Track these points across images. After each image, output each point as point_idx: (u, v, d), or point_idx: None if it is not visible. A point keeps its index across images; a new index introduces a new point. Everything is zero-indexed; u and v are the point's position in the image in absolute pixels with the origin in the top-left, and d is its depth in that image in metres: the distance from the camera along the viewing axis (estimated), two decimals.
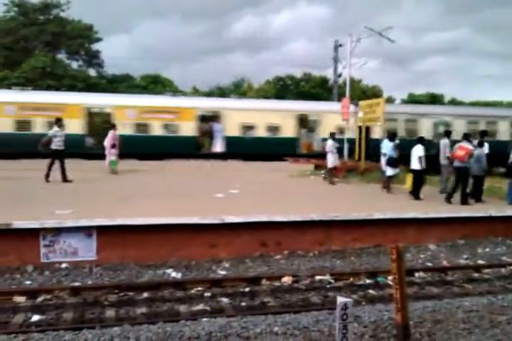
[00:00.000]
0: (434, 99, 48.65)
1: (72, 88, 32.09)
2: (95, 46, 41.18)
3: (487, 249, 9.37)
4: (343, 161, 16.84)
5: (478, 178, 11.41)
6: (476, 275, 7.93)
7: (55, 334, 4.86)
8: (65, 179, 12.50)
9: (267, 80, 46.54)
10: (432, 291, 7.07)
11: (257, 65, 73.82)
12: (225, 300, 6.50)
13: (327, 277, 7.46)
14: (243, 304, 6.40)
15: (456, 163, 10.99)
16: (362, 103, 16.76)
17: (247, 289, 6.90)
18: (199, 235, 7.94)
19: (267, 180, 14.75)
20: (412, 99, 48.18)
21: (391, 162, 12.06)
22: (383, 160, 12.57)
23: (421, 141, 11.61)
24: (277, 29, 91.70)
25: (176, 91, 40.64)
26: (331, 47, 27.36)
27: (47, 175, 12.36)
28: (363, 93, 42.20)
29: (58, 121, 12.77)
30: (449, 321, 5.03)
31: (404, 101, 47.88)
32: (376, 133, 20.99)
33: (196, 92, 43.07)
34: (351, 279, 7.52)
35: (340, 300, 4.26)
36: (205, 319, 5.51)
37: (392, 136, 12.72)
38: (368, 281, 7.48)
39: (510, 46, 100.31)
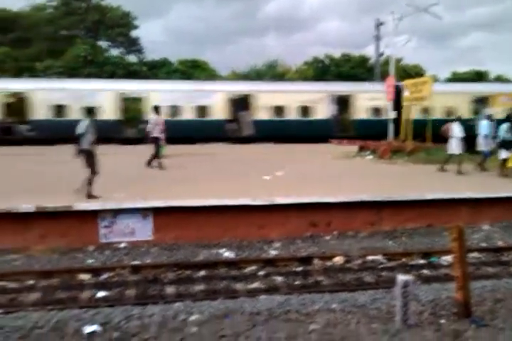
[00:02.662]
0: (479, 77, 46.66)
1: (112, 75, 32.79)
2: (134, 33, 41.80)
3: None
4: (388, 142, 16.58)
5: None
6: None
7: (122, 309, 5.15)
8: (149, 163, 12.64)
9: (304, 62, 45.86)
10: (488, 271, 6.96)
11: (292, 45, 72.80)
12: (279, 278, 6.64)
13: (379, 257, 7.47)
14: (297, 283, 6.52)
15: None
16: (407, 82, 16.31)
17: (299, 268, 7.02)
18: (250, 216, 8.08)
19: (312, 162, 14.72)
20: (457, 78, 46.37)
21: (506, 144, 11.70)
22: (481, 140, 12.31)
23: None
24: (311, 8, 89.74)
25: (214, 75, 41.04)
26: (367, 25, 27.03)
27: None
28: (404, 72, 40.93)
29: (156, 109, 13.01)
30: (510, 300, 4.96)
31: (448, 80, 46.13)
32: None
33: (234, 75, 43.03)
34: (404, 259, 7.49)
35: (401, 278, 4.30)
36: (262, 296, 5.65)
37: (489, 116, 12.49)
38: (421, 261, 7.44)
39: None
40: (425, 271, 7.01)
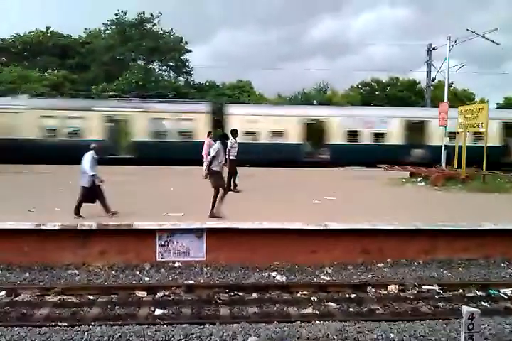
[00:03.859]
0: None
1: (163, 97, 34.04)
2: (185, 56, 43.37)
3: None
4: (441, 169, 16.23)
5: None
6: None
7: (182, 328, 5.28)
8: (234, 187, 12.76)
9: (351, 86, 45.98)
10: None
11: (336, 70, 73.03)
12: (332, 304, 6.60)
13: (435, 287, 7.29)
14: (351, 310, 6.46)
15: None
16: (462, 108, 16.03)
17: (352, 295, 6.95)
18: (302, 240, 8.10)
19: (361, 187, 14.61)
20: (509, 103, 44.97)
21: None
22: None
23: None
24: (357, 32, 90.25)
25: (260, 99, 41.77)
26: (415, 50, 26.64)
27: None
28: (454, 97, 40.19)
29: (234, 132, 13.10)
30: None
31: (500, 106, 44.82)
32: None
33: (280, 99, 43.61)
34: (460, 290, 7.28)
35: (467, 309, 4.21)
36: (318, 322, 5.63)
37: None
38: (479, 293, 7.20)
39: None
40: (484, 303, 6.78)
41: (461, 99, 36.61)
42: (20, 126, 20.93)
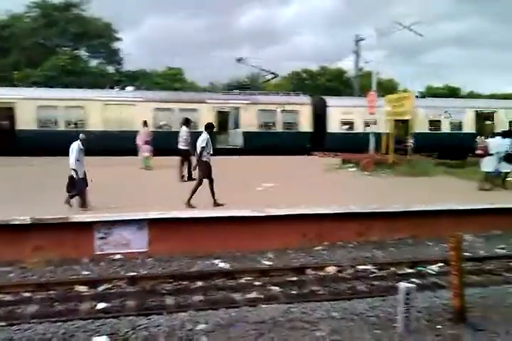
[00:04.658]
0: (453, 92, 48.13)
1: (93, 86, 32.62)
2: (114, 44, 41.67)
3: None
4: (371, 155, 17.03)
5: None
6: None
7: (128, 320, 5.22)
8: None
9: (287, 74, 46.56)
10: (474, 280, 7.26)
11: (268, 59, 73.60)
12: (275, 288, 6.80)
13: (370, 267, 7.71)
14: (294, 292, 6.69)
15: None
16: (389, 97, 16.86)
17: (294, 278, 7.20)
18: (244, 227, 8.24)
19: (300, 174, 14.97)
20: (431, 93, 47.77)
21: (509, 158, 12.19)
22: (496, 159, 12.53)
23: None
24: (286, 22, 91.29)
25: (193, 87, 41.24)
26: (342, 39, 27.53)
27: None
28: (379, 86, 41.96)
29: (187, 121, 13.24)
30: (500, 306, 5.25)
31: (423, 95, 47.48)
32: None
33: (214, 87, 43.32)
34: (393, 269, 7.76)
35: (403, 286, 4.53)
36: (263, 305, 5.79)
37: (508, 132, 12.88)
38: (409, 270, 7.72)
39: None
40: (414, 280, 7.27)
41: (386, 88, 38.28)
42: (135, 119, 19.99)
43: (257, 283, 6.97)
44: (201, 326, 4.95)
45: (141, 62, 75.93)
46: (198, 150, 9.14)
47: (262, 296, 6.47)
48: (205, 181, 9.14)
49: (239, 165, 17.38)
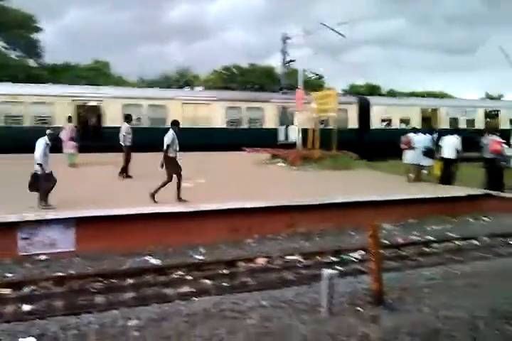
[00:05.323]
0: (373, 90, 50.60)
1: (13, 79, 30.59)
2: (35, 36, 39.29)
3: (434, 227, 10.36)
4: (297, 150, 17.57)
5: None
6: (426, 249, 8.83)
7: (57, 320, 5.12)
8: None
9: (213, 70, 46.48)
10: (391, 265, 7.84)
11: (197, 54, 73.04)
12: (207, 281, 6.94)
13: (297, 257, 8.07)
14: (225, 284, 6.87)
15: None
16: (315, 94, 17.48)
17: (225, 271, 7.38)
18: (175, 223, 8.28)
19: (231, 169, 15.15)
20: (354, 91, 49.87)
21: (429, 153, 13.09)
22: (418, 153, 13.29)
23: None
24: (216, 17, 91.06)
25: (120, 82, 39.97)
26: (270, 36, 28.06)
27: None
28: (306, 83, 43.20)
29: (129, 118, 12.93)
30: (414, 288, 5.75)
31: (346, 92, 49.50)
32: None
33: (142, 82, 42.34)
34: (318, 257, 8.17)
35: (326, 271, 4.84)
36: (195, 298, 5.91)
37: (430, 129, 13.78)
38: (333, 259, 8.17)
39: (440, 37, 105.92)
40: (338, 267, 7.71)
41: (313, 85, 39.46)
42: (210, 117, 22.38)
43: (188, 278, 7.06)
44: (133, 322, 4.96)
45: (66, 55, 72.28)
46: (165, 146, 9.25)
47: (194, 290, 6.58)
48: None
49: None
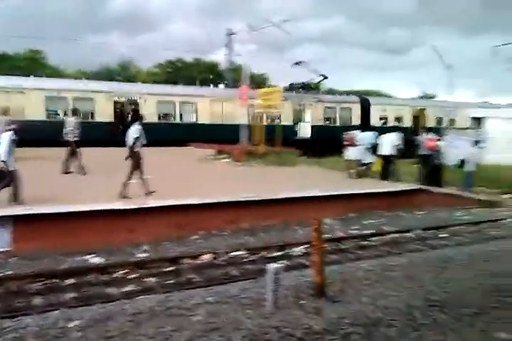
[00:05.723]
0: (315, 88, 51.65)
1: None
2: None
3: (373, 221, 10.82)
4: (242, 146, 17.67)
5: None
6: (364, 242, 9.20)
7: None
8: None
9: (158, 64, 45.62)
10: (332, 258, 8.11)
11: (140, 47, 71.07)
12: (152, 279, 6.86)
13: (242, 252, 8.15)
14: (171, 282, 6.82)
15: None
16: (260, 91, 17.61)
17: (170, 268, 7.33)
18: (118, 220, 8.11)
19: (177, 165, 14.97)
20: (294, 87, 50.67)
21: (372, 150, 13.76)
22: (361, 150, 13.76)
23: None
24: (159, 9, 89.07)
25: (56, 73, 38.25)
26: (215, 31, 27.97)
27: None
28: (251, 80, 43.43)
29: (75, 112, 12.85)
30: (354, 279, 5.99)
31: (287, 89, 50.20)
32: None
33: (82, 74, 40.73)
34: (263, 252, 8.30)
35: (272, 266, 4.95)
36: (140, 297, 5.84)
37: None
38: (278, 253, 8.33)
39: (378, 36, 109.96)
40: (282, 261, 7.88)
41: (257, 81, 39.76)
42: (234, 113, 22.70)
43: (132, 276, 6.95)
44: (75, 322, 4.83)
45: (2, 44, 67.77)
46: (131, 141, 9.26)
47: (139, 288, 6.49)
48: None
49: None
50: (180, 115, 22.52)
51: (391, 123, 27.86)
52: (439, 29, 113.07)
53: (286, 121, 24.91)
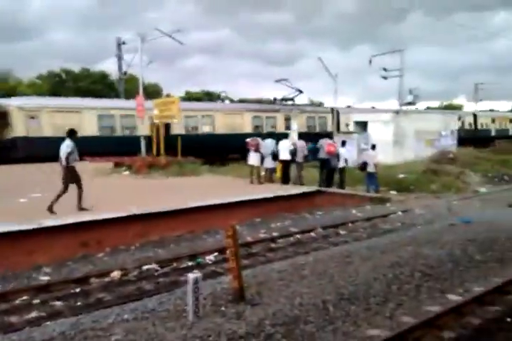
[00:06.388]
0: (210, 97, 52.26)
1: None
2: None
3: (278, 224, 11.21)
4: (142, 157, 17.23)
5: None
6: (273, 245, 9.50)
7: None
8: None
9: (40, 74, 42.65)
10: (244, 262, 8.24)
11: (18, 56, 65.81)
12: (58, 303, 6.44)
13: (154, 266, 7.97)
14: (79, 303, 6.46)
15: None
16: (157, 101, 17.33)
17: (77, 289, 6.93)
18: (16, 242, 7.47)
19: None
20: (190, 97, 50.73)
21: (274, 156, 14.14)
22: (263, 156, 14.08)
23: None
24: (37, 15, 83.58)
25: None
26: (103, 40, 26.99)
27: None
28: (144, 90, 42.50)
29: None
30: (269, 281, 6.19)
31: (183, 99, 50.11)
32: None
33: None
34: (175, 264, 8.19)
35: (191, 276, 4.95)
36: (48, 323, 5.45)
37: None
38: (190, 263, 8.27)
39: (262, 47, 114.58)
40: (196, 271, 7.84)
41: (150, 92, 39.04)
42: (243, 124, 26.61)
43: (36, 301, 6.46)
44: None
45: None
46: (64, 156, 9.29)
47: (45, 314, 6.05)
48: None
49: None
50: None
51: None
52: (319, 41, 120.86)
53: (282, 129, 27.94)
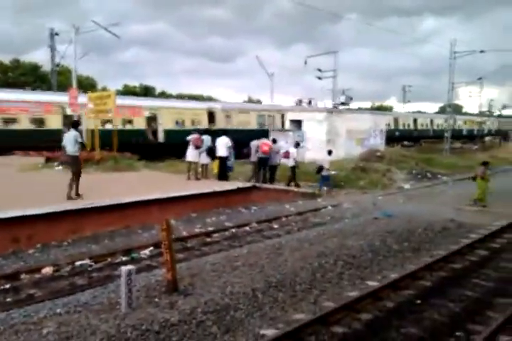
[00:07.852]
0: (148, 92, 51.32)
1: None
2: None
3: (213, 218, 11.45)
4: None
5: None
6: (208, 239, 9.73)
7: None
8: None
9: None
10: (179, 256, 8.42)
11: None
12: None
13: (87, 261, 7.94)
14: (9, 300, 6.37)
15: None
16: (92, 95, 16.89)
17: (7, 286, 6.82)
18: None
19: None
20: (127, 91, 49.55)
21: (210, 152, 14.41)
22: (198, 151, 14.08)
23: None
24: None
25: None
26: (34, 30, 25.80)
27: None
28: (77, 83, 40.96)
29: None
30: (202, 273, 6.44)
31: (121, 93, 48.85)
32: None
33: None
34: (109, 259, 8.21)
35: (125, 268, 5.10)
36: None
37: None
38: (124, 258, 8.32)
39: (201, 44, 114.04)
40: (131, 266, 7.90)
41: (84, 85, 37.73)
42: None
43: None
44: None
45: None
46: (76, 146, 10.20)
47: None
48: None
49: None
50: None
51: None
52: (257, 39, 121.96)
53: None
